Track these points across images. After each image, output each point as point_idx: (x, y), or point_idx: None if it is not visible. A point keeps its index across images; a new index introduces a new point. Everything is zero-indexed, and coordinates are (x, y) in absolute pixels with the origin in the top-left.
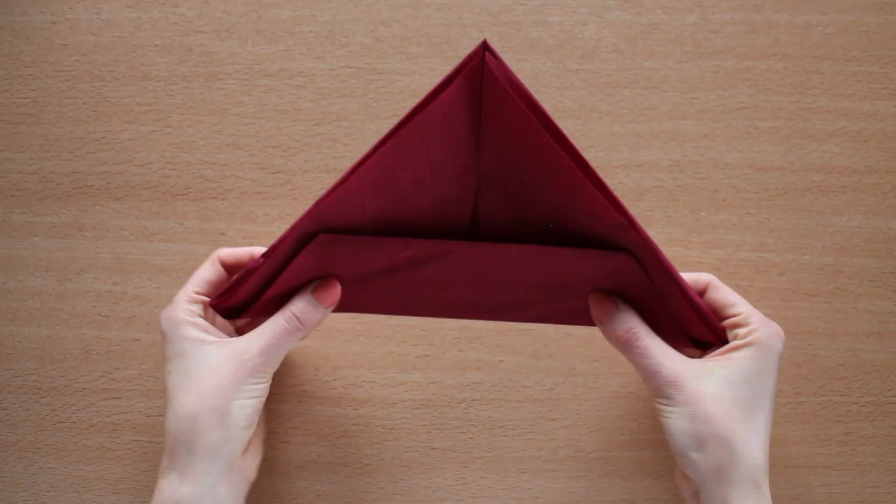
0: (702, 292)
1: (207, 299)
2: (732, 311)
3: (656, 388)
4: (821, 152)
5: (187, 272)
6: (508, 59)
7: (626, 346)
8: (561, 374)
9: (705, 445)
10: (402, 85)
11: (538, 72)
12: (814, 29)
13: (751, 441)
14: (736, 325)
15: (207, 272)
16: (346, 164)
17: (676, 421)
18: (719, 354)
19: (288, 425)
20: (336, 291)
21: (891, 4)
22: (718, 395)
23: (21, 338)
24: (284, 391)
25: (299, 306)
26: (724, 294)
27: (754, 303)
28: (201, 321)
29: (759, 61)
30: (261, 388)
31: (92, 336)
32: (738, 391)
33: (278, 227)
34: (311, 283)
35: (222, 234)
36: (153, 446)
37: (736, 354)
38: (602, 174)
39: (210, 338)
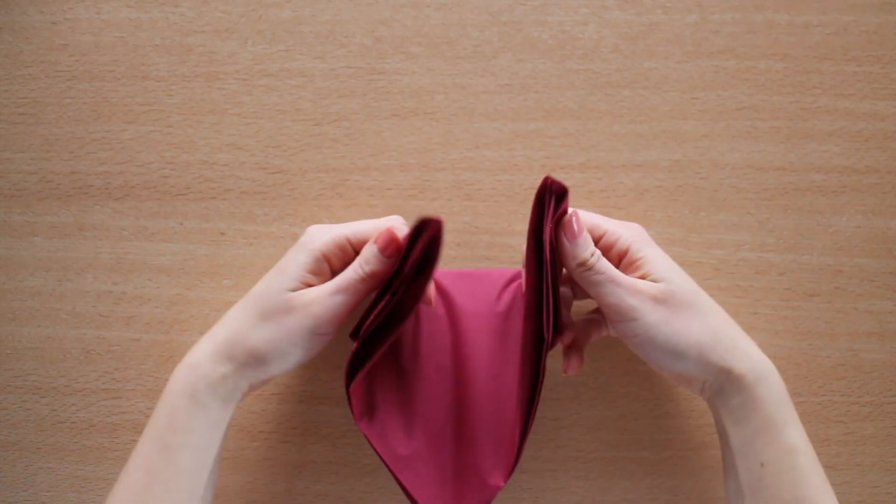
0: (598, 238)
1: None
2: (598, 231)
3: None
4: (821, 152)
5: (187, 272)
6: (508, 58)
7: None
8: (560, 374)
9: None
10: (402, 85)
11: (538, 72)
12: (814, 29)
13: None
14: (616, 250)
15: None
16: (346, 164)
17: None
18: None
19: (288, 425)
20: (392, 239)
21: (891, 4)
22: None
23: (21, 338)
24: (284, 391)
25: (364, 255)
26: (590, 221)
27: (754, 303)
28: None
29: (759, 61)
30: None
31: (92, 336)
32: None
33: (278, 227)
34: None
35: (222, 234)
36: None
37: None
38: (602, 174)
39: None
